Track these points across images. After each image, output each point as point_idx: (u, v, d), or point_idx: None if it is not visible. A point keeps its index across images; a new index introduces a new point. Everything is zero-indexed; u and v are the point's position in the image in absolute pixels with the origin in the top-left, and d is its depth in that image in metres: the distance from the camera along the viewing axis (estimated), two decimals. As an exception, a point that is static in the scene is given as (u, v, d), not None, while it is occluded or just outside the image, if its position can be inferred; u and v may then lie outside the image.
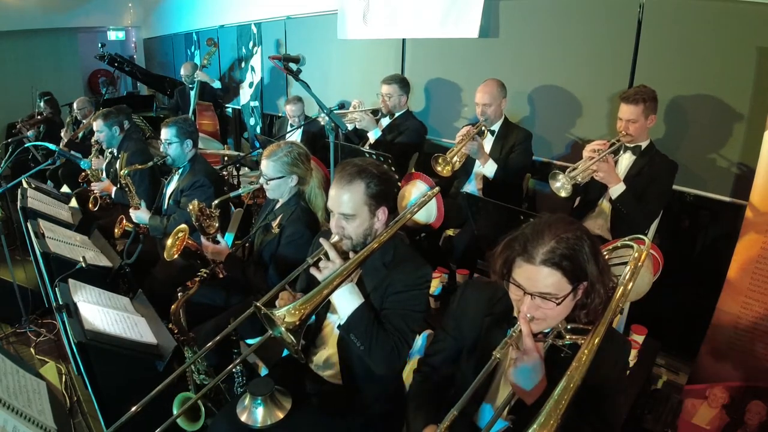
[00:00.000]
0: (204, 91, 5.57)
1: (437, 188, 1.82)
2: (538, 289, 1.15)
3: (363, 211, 1.53)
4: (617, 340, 1.27)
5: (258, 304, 1.31)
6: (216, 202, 2.33)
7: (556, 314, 1.18)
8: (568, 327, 1.22)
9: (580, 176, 2.29)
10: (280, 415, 1.47)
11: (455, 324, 1.44)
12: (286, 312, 1.29)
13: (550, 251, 1.12)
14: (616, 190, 2.31)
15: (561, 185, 2.30)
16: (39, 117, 5.68)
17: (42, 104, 5.84)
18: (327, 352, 1.69)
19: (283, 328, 1.28)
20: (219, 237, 2.28)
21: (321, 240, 1.52)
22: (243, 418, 1.47)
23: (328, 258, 1.48)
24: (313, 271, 1.49)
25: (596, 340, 1.13)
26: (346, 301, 1.48)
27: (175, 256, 2.19)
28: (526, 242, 1.15)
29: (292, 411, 1.49)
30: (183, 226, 2.25)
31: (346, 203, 1.52)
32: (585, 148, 2.36)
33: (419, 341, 1.78)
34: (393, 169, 2.74)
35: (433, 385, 1.47)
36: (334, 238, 1.55)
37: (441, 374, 1.46)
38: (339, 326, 1.52)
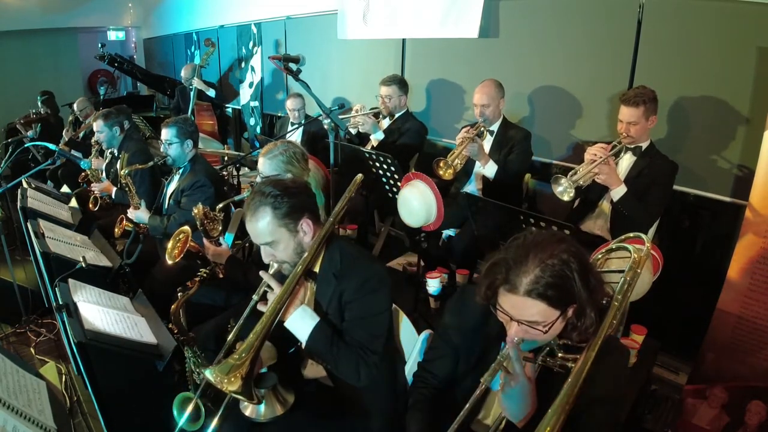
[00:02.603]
0: (202, 93, 5.57)
1: (360, 175, 1.80)
2: (523, 317, 1.12)
3: (281, 233, 1.49)
4: (613, 351, 1.22)
5: (207, 375, 1.30)
6: (220, 206, 2.32)
7: (546, 337, 1.15)
8: (561, 343, 1.19)
9: (581, 180, 2.28)
10: (282, 410, 1.48)
11: (452, 331, 1.43)
12: (220, 381, 1.27)
13: (534, 282, 1.08)
14: (618, 192, 2.31)
15: (563, 189, 2.29)
16: (34, 116, 5.67)
17: (39, 103, 5.84)
18: (315, 368, 1.69)
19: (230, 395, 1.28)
20: (221, 239, 2.28)
21: (261, 273, 1.49)
22: (246, 411, 1.48)
23: (272, 289, 1.46)
24: (260, 307, 1.46)
25: (586, 367, 1.08)
26: (300, 326, 1.46)
27: (177, 258, 2.19)
28: (509, 271, 1.11)
29: (292, 409, 1.49)
30: (185, 228, 2.25)
31: (261, 233, 1.48)
32: (586, 151, 2.35)
33: (419, 343, 1.79)
34: (393, 169, 2.74)
35: (432, 390, 1.46)
36: (273, 267, 1.52)
37: (440, 379, 1.46)
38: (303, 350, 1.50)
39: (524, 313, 1.11)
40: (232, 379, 1.27)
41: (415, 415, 1.42)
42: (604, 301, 1.20)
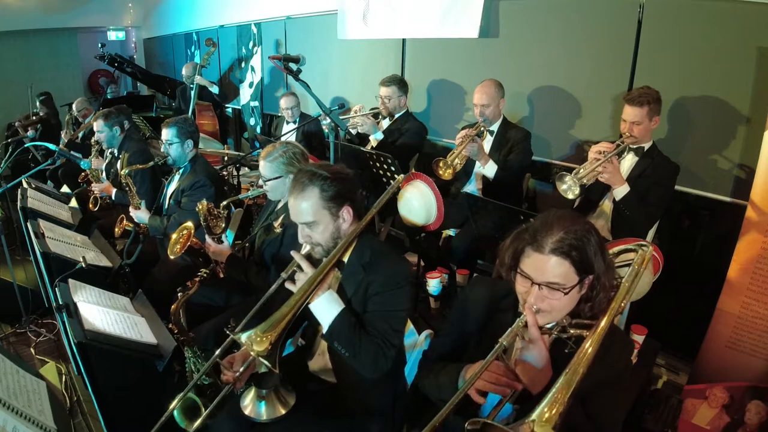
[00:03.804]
0: (203, 92, 5.57)
1: (401, 176, 1.82)
2: (546, 278, 1.16)
3: (324, 215, 1.52)
4: (620, 338, 1.28)
5: (233, 335, 1.32)
6: (224, 203, 2.33)
7: (562, 306, 1.19)
8: (573, 322, 1.23)
9: (585, 178, 2.28)
10: (284, 411, 1.48)
11: (459, 319, 1.46)
12: (251, 340, 1.29)
13: (559, 241, 1.14)
14: (620, 191, 2.31)
15: (568, 187, 2.28)
16: (35, 117, 5.67)
17: (38, 104, 5.84)
18: (323, 359, 1.69)
19: (254, 355, 1.29)
20: (223, 237, 2.28)
21: (292, 252, 1.51)
22: (247, 411, 1.47)
23: (302, 270, 1.47)
24: (288, 285, 1.48)
25: (600, 333, 1.14)
26: (325, 310, 1.47)
27: (179, 253, 2.19)
28: (536, 232, 1.17)
29: (293, 408, 1.49)
30: (188, 223, 2.25)
31: (304, 211, 1.51)
32: (590, 149, 2.35)
33: (420, 340, 1.79)
34: (393, 169, 2.74)
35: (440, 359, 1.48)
36: (306, 249, 1.54)
37: (446, 351, 1.48)
38: (322, 335, 1.51)
39: (547, 273, 1.15)
40: (264, 339, 1.30)
41: (436, 370, 1.41)
42: (615, 283, 1.24)
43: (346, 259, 1.58)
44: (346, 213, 1.55)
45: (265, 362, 1.29)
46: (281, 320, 1.34)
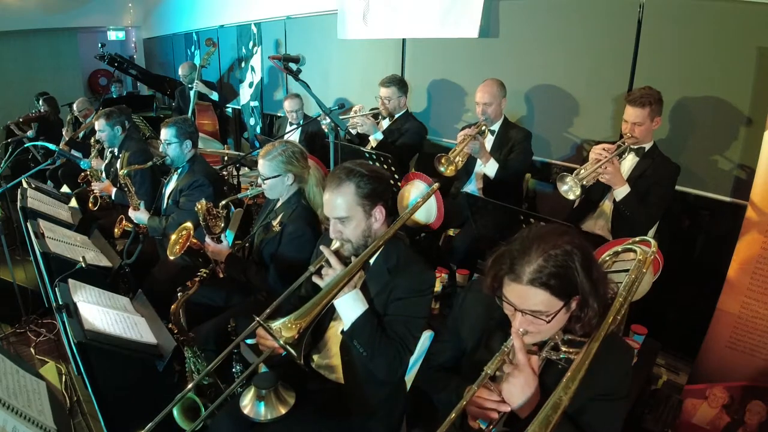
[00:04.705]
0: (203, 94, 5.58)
1: (437, 184, 1.82)
2: (527, 307, 1.13)
3: (357, 212, 1.53)
4: (618, 348, 1.24)
5: (259, 319, 1.32)
6: (223, 202, 2.33)
7: (549, 328, 1.16)
8: (565, 338, 1.20)
9: (586, 179, 2.27)
10: (283, 410, 1.48)
11: (455, 329, 1.46)
12: (283, 326, 1.30)
13: (537, 270, 1.10)
14: (621, 192, 2.30)
15: (569, 188, 2.26)
16: (33, 115, 5.67)
17: (41, 102, 5.84)
18: (329, 356, 1.69)
19: (281, 342, 1.29)
20: (222, 237, 2.28)
21: (321, 247, 1.52)
22: (246, 411, 1.48)
23: (330, 265, 1.48)
24: (315, 279, 1.49)
25: (589, 357, 1.10)
26: (349, 308, 1.48)
27: (179, 254, 2.19)
28: (513, 260, 1.13)
29: (293, 408, 1.49)
30: (187, 224, 2.25)
31: (339, 206, 1.52)
32: (591, 149, 2.34)
33: (422, 341, 1.79)
34: (393, 169, 2.74)
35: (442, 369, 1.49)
36: (335, 245, 1.55)
37: (445, 361, 1.49)
38: (342, 331, 1.52)
39: (528, 302, 1.13)
40: (294, 326, 1.31)
41: (441, 382, 1.41)
42: (610, 294, 1.21)
43: (372, 260, 1.59)
44: (379, 213, 1.57)
45: (291, 350, 1.29)
46: (310, 312, 1.35)
